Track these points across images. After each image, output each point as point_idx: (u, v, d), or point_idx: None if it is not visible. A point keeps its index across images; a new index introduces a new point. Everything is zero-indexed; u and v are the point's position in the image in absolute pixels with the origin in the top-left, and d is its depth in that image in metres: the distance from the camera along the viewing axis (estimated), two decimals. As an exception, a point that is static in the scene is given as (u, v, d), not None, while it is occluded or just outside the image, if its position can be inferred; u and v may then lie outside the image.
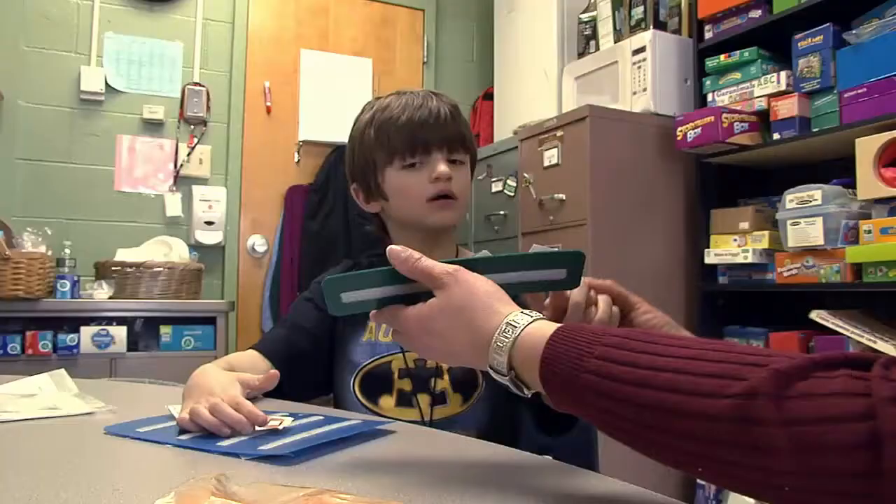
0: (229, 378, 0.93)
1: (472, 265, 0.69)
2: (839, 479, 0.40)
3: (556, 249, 0.77)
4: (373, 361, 1.12)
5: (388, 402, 1.10)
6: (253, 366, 1.08)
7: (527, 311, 0.64)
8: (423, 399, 1.09)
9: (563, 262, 0.73)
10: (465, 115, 4.12)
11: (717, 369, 0.47)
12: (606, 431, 0.54)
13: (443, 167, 1.08)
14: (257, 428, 0.78)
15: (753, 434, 0.43)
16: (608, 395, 0.51)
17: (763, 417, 0.43)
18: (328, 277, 0.69)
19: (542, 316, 0.63)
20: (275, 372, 0.98)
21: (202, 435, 0.77)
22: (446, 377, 1.09)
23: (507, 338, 0.61)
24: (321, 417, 0.85)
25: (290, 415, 0.85)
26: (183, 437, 0.77)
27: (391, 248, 0.69)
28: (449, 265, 0.68)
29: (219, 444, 0.73)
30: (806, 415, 0.42)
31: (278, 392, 1.08)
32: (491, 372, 0.63)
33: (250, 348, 1.14)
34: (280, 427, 0.78)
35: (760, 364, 0.45)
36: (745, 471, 0.44)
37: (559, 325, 0.60)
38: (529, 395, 0.63)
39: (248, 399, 0.86)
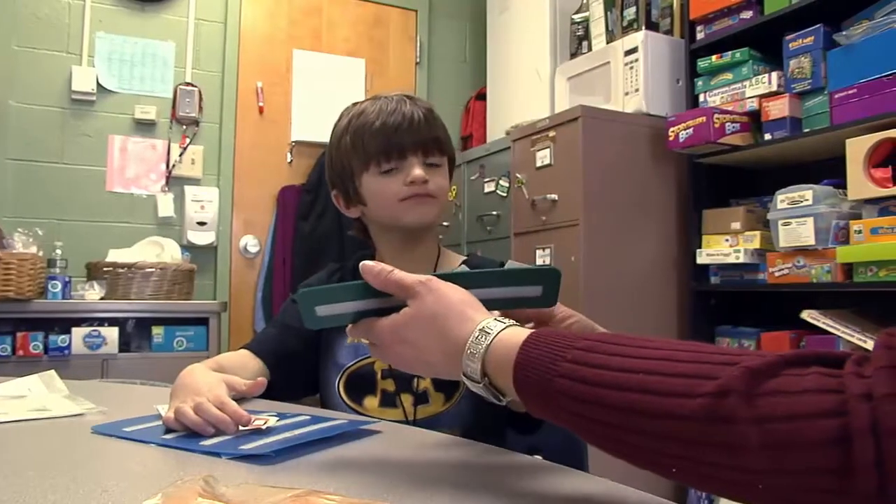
0: (216, 378, 0.94)
1: (447, 279, 0.69)
2: (811, 475, 0.40)
3: (533, 266, 0.77)
4: (357, 362, 1.13)
5: (372, 402, 1.11)
6: (243, 365, 1.08)
7: (500, 318, 0.63)
8: (406, 399, 1.10)
9: (540, 279, 0.73)
10: (456, 115, 4.12)
11: (688, 369, 0.47)
12: (581, 435, 0.54)
13: (417, 171, 1.09)
14: (241, 427, 0.79)
15: (725, 432, 0.43)
16: (580, 399, 0.51)
17: (734, 416, 0.43)
18: (301, 291, 0.69)
19: (515, 323, 0.63)
20: (262, 380, 0.99)
21: (186, 434, 0.78)
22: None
23: (480, 344, 0.61)
24: (307, 417, 0.86)
25: (277, 414, 0.85)
26: (167, 436, 0.78)
27: (363, 263, 0.70)
28: (421, 276, 0.68)
29: (201, 443, 0.74)
30: (777, 412, 0.41)
31: (268, 392, 1.09)
32: (465, 380, 0.63)
33: (241, 348, 1.14)
34: (264, 427, 0.79)
35: (731, 363, 0.45)
36: (717, 470, 0.44)
37: (533, 330, 0.59)
38: (504, 403, 0.62)
39: (236, 400, 0.86)
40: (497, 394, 0.61)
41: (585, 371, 0.51)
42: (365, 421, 0.82)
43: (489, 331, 0.61)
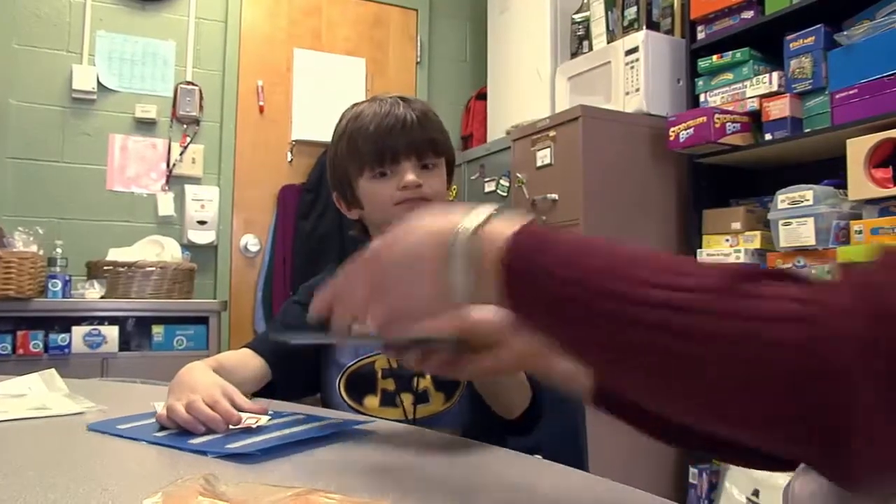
0: (213, 381, 0.91)
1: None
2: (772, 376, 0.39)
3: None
4: (357, 362, 1.13)
5: (372, 401, 1.11)
6: (244, 364, 1.08)
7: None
8: (406, 398, 1.10)
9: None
10: (457, 114, 4.11)
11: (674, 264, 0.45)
12: (551, 331, 0.50)
13: (410, 176, 1.08)
14: (231, 426, 0.79)
15: (698, 322, 0.41)
16: (565, 281, 0.47)
17: (709, 308, 0.41)
18: (267, 334, 0.72)
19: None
20: (265, 408, 0.90)
21: (177, 433, 0.78)
22: (428, 376, 1.10)
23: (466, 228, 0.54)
24: (301, 416, 0.86)
25: (270, 413, 0.85)
26: (159, 433, 0.78)
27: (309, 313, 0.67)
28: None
29: (190, 441, 0.74)
30: (749, 312, 0.40)
31: (269, 391, 1.09)
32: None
33: (242, 347, 1.15)
34: (254, 425, 0.79)
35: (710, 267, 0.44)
36: (678, 361, 0.42)
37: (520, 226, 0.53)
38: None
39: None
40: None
41: (577, 259, 0.47)
42: (356, 421, 0.82)
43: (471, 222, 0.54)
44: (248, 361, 1.10)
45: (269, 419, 0.82)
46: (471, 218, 0.54)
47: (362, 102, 1.17)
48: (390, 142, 1.09)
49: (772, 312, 0.40)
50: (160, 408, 0.86)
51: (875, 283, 0.39)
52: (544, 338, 0.50)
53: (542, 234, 0.50)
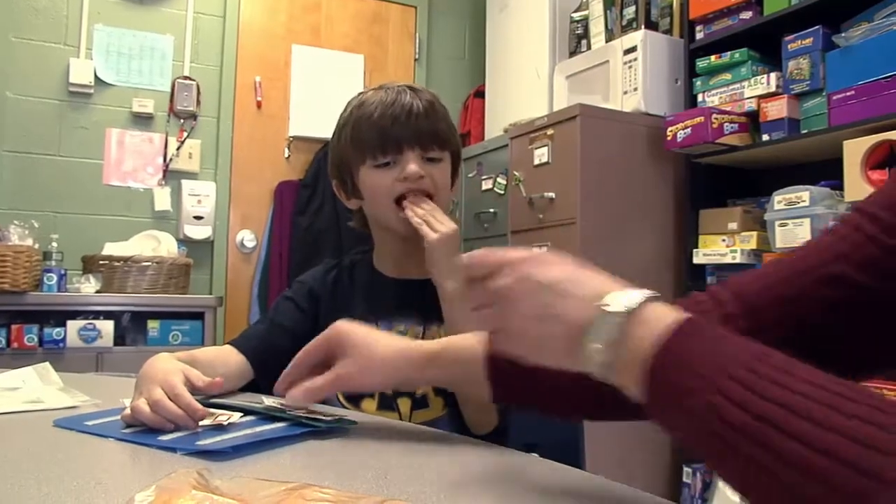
0: (175, 367, 0.89)
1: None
2: None
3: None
4: None
5: (370, 405, 1.09)
6: (223, 359, 1.05)
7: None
8: (404, 403, 1.08)
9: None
10: (455, 112, 4.10)
11: (855, 429, 0.40)
12: (711, 462, 0.47)
13: (412, 166, 1.06)
14: (202, 423, 0.77)
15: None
16: (735, 427, 0.44)
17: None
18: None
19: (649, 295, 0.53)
20: (219, 380, 0.92)
21: (144, 429, 0.77)
22: None
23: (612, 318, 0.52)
24: (278, 413, 0.82)
25: (254, 409, 0.84)
26: (127, 430, 0.77)
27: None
28: None
29: (160, 437, 0.73)
30: None
31: (254, 388, 1.08)
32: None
33: (227, 343, 1.13)
34: (226, 423, 0.78)
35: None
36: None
37: (684, 317, 0.50)
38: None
39: (222, 395, 0.86)
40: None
41: (748, 397, 0.43)
42: (332, 422, 0.79)
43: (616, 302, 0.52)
44: (228, 356, 1.07)
45: (241, 416, 0.81)
46: (625, 297, 0.52)
47: (369, 90, 1.14)
48: (394, 131, 1.06)
49: None
50: (128, 403, 0.84)
51: None
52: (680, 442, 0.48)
53: (697, 343, 0.48)
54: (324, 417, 0.79)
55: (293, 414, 0.80)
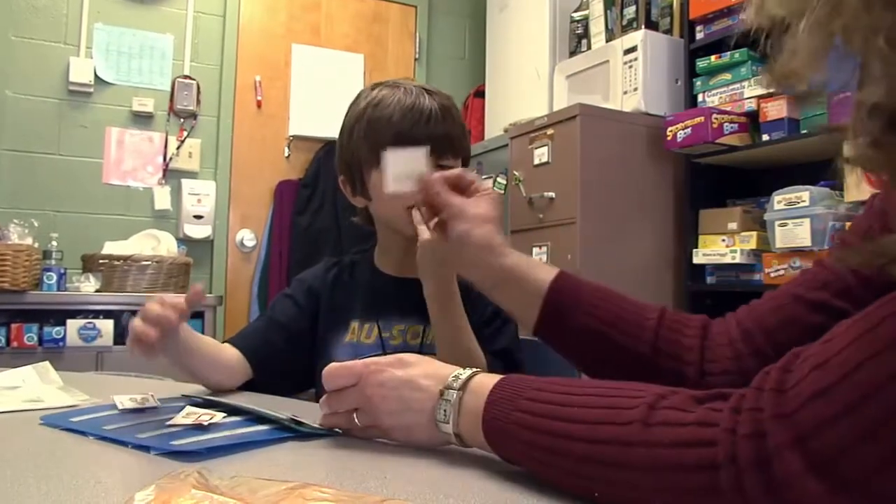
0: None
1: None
2: (688, 494, 0.48)
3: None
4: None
5: None
6: (218, 348, 1.10)
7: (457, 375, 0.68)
8: None
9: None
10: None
11: (610, 402, 0.56)
12: (528, 464, 0.61)
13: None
14: (182, 421, 0.77)
15: (628, 454, 0.52)
16: (532, 429, 0.59)
17: (634, 440, 0.52)
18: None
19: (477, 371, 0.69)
20: (198, 290, 1.03)
21: (126, 427, 0.77)
22: None
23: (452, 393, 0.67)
24: (265, 414, 0.81)
25: (242, 408, 0.83)
26: (107, 427, 0.77)
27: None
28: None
29: (137, 435, 0.73)
30: (664, 440, 0.50)
31: (251, 386, 1.08)
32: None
33: (225, 341, 1.14)
34: (206, 423, 0.77)
35: (641, 395, 0.54)
36: (623, 488, 0.52)
37: (497, 378, 0.66)
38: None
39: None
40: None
41: (538, 406, 0.60)
42: (316, 428, 0.77)
43: (458, 376, 0.68)
44: (223, 348, 1.10)
45: (224, 417, 0.80)
46: (458, 375, 0.68)
47: (382, 87, 1.13)
48: (412, 135, 1.05)
49: (686, 438, 0.50)
50: (119, 401, 0.86)
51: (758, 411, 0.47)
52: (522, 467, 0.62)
53: (511, 392, 0.63)
54: (309, 423, 0.77)
55: (278, 416, 0.78)
